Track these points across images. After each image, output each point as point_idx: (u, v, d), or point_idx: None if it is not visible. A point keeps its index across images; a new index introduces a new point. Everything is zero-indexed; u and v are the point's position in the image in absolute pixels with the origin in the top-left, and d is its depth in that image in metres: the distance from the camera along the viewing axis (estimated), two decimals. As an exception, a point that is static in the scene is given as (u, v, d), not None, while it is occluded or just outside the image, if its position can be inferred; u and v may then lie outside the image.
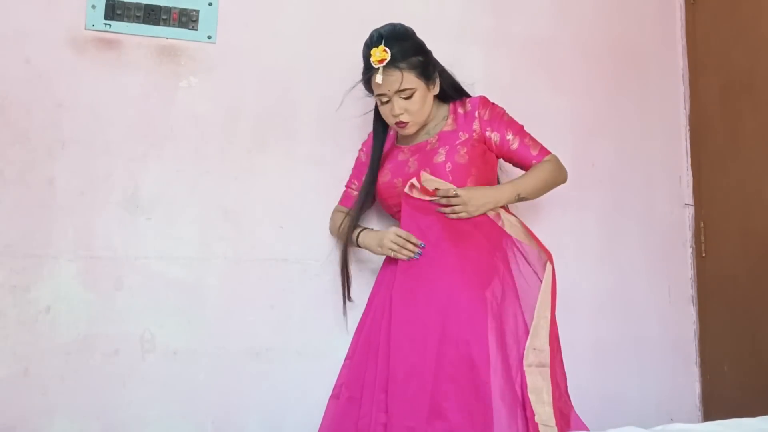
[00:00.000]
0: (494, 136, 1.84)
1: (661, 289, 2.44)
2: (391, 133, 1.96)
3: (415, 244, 1.74)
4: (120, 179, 1.98)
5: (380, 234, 1.82)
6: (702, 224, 2.47)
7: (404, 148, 1.90)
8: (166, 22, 2.06)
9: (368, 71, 1.78)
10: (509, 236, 1.78)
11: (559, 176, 1.90)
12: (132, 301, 1.94)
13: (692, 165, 2.52)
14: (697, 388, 2.43)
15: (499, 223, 1.79)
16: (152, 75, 2.04)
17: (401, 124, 1.80)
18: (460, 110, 1.87)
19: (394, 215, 1.93)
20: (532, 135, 1.90)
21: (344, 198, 2.02)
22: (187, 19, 2.07)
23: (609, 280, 2.37)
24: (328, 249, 2.07)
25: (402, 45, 1.76)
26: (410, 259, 1.74)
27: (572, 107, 2.41)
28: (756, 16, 2.28)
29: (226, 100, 2.09)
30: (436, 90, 1.86)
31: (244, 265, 2.04)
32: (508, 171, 2.04)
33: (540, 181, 1.85)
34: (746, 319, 2.25)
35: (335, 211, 2.04)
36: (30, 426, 1.84)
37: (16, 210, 1.89)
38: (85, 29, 2.00)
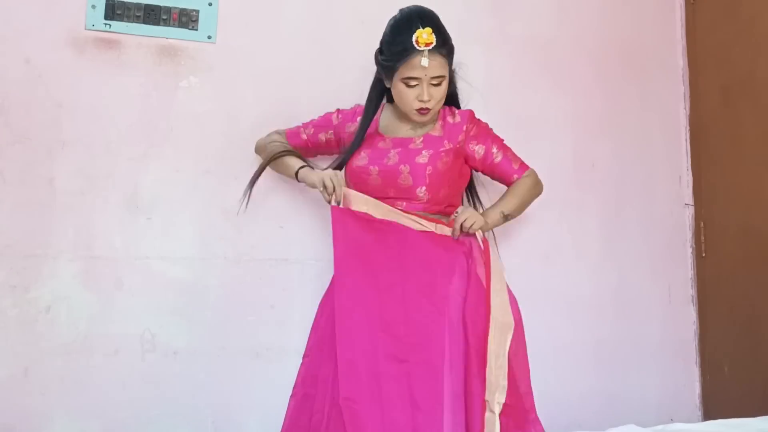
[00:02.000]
0: (479, 149, 1.86)
1: (661, 289, 2.44)
2: (376, 116, 1.92)
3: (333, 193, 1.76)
4: (120, 179, 1.98)
5: (322, 172, 1.80)
6: (702, 224, 2.47)
7: (386, 138, 1.86)
8: (166, 22, 2.06)
9: (407, 53, 1.72)
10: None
11: (537, 191, 1.95)
12: (132, 301, 1.94)
13: (692, 165, 2.52)
14: (697, 388, 2.43)
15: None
16: (152, 75, 2.04)
17: (424, 111, 1.77)
18: (449, 119, 1.86)
19: (351, 187, 1.88)
20: (513, 151, 1.93)
21: (291, 134, 1.96)
22: (187, 19, 2.07)
23: (609, 280, 2.38)
24: (328, 249, 2.06)
25: (442, 31, 1.76)
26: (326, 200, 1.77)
27: (573, 107, 2.41)
28: (756, 16, 2.28)
29: (226, 100, 2.09)
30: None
31: (244, 265, 2.04)
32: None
33: (521, 199, 1.91)
34: (746, 319, 2.25)
35: (274, 132, 1.97)
36: (30, 426, 1.84)
37: (16, 210, 1.89)
38: (85, 29, 2.00)
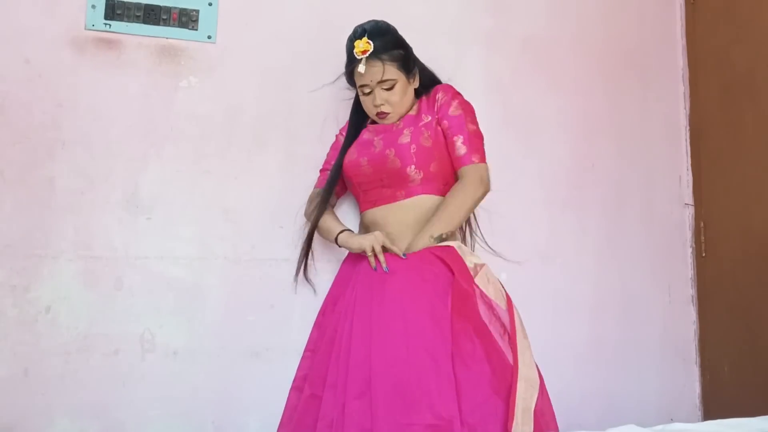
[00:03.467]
0: (443, 123, 1.85)
1: (661, 289, 2.44)
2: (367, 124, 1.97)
3: (382, 262, 1.72)
4: (120, 179, 1.98)
5: (363, 236, 1.80)
6: (702, 224, 2.47)
7: (371, 128, 1.93)
8: (166, 22, 2.06)
9: (351, 63, 1.84)
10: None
11: (475, 196, 1.82)
12: (132, 301, 1.94)
13: (692, 165, 2.52)
14: (697, 388, 2.43)
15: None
16: (152, 75, 2.04)
17: (382, 115, 1.85)
18: (425, 97, 1.91)
19: (358, 196, 1.94)
20: (476, 138, 1.85)
21: (319, 181, 2.03)
22: (187, 19, 2.07)
23: (609, 280, 2.37)
24: (328, 248, 2.07)
25: (384, 38, 1.83)
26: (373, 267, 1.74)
27: (572, 107, 2.41)
28: (756, 16, 2.28)
29: (226, 100, 2.09)
30: (416, 84, 1.91)
31: (244, 265, 2.04)
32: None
33: (450, 215, 1.78)
34: (746, 319, 2.25)
35: (311, 195, 2.02)
36: (30, 426, 1.84)
37: (16, 210, 1.89)
38: (85, 29, 2.00)
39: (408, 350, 1.58)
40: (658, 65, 2.56)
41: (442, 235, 1.76)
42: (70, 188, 1.93)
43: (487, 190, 1.85)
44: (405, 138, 1.83)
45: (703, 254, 2.45)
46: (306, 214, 2.01)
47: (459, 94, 1.90)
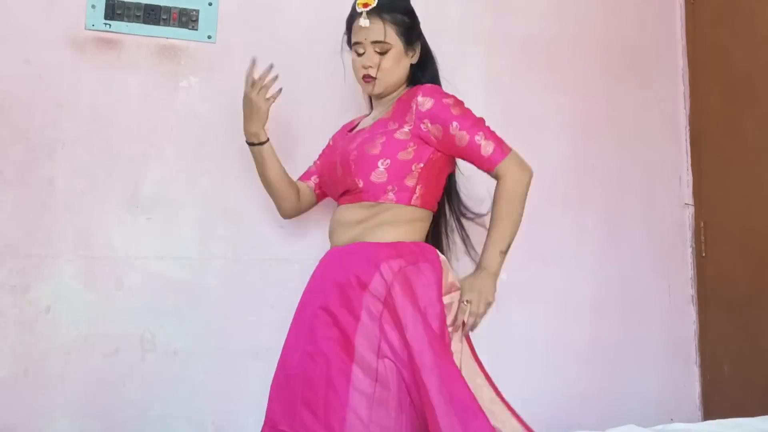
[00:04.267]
0: (434, 130, 1.63)
1: (661, 289, 2.44)
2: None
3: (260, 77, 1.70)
4: (120, 179, 1.98)
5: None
6: (702, 224, 2.47)
7: (348, 135, 1.82)
8: (166, 22, 2.06)
9: (352, 18, 1.74)
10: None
11: (526, 185, 1.66)
12: (132, 301, 1.94)
13: (692, 165, 2.52)
14: (697, 388, 2.43)
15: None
16: (152, 75, 2.04)
17: (367, 79, 1.72)
18: (405, 95, 1.73)
19: (332, 196, 1.85)
20: (491, 129, 1.67)
21: (304, 174, 1.95)
22: (187, 19, 2.07)
23: (609, 280, 2.37)
24: (328, 249, 2.07)
25: (393, 1, 1.73)
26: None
27: (572, 107, 2.41)
28: (756, 16, 2.28)
29: (226, 100, 2.08)
30: (415, 59, 1.77)
31: (244, 265, 2.04)
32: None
33: (513, 220, 1.66)
34: (746, 319, 2.25)
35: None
36: (30, 426, 1.84)
37: (16, 210, 1.89)
38: (85, 29, 2.00)
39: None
40: (658, 65, 2.56)
41: (508, 249, 1.65)
42: (70, 188, 1.94)
43: (531, 173, 1.67)
44: (353, 144, 1.69)
45: (703, 254, 2.45)
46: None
47: (445, 92, 1.70)
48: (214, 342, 1.98)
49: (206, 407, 1.96)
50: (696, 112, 2.53)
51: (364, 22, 1.68)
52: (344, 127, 1.97)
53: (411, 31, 1.75)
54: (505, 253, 1.65)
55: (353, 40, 1.75)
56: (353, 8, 1.74)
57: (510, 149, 1.66)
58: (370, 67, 1.70)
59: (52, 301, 1.89)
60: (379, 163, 1.63)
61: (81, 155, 1.95)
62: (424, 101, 1.65)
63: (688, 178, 2.53)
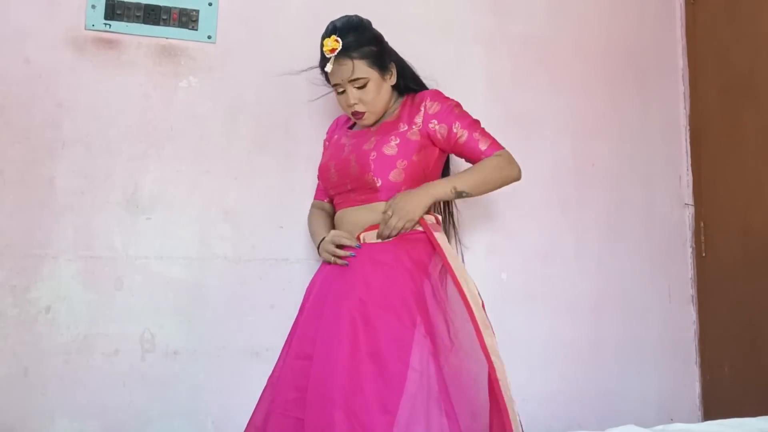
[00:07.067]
0: (440, 129, 1.76)
1: (661, 289, 2.44)
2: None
3: (344, 247, 1.71)
4: (120, 179, 1.98)
5: (322, 246, 1.79)
6: (702, 224, 2.47)
7: (350, 133, 1.88)
8: (166, 22, 2.06)
9: (322, 62, 1.78)
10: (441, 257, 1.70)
11: (509, 173, 1.78)
12: (132, 301, 1.94)
13: (692, 165, 2.52)
14: (697, 388, 2.43)
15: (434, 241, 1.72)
16: (152, 75, 2.04)
17: (357, 115, 1.79)
18: (409, 102, 1.82)
19: (332, 199, 1.89)
20: (487, 131, 1.80)
21: (317, 192, 2.00)
22: (187, 19, 2.07)
23: (609, 280, 2.37)
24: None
25: (354, 35, 1.76)
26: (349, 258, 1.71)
27: (572, 107, 2.41)
28: (756, 16, 2.28)
29: (226, 100, 2.09)
30: (393, 80, 1.83)
31: (244, 265, 2.04)
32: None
33: (481, 176, 1.75)
34: (746, 320, 2.25)
35: (311, 207, 2.00)
36: (30, 426, 1.84)
37: (16, 210, 1.89)
38: (85, 29, 2.00)
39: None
40: (658, 65, 2.56)
41: (463, 192, 1.72)
42: (70, 188, 1.94)
43: (520, 174, 1.80)
44: (369, 144, 1.76)
45: (703, 254, 2.45)
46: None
47: (447, 97, 1.82)
48: (214, 342, 1.99)
49: (206, 407, 1.96)
50: (696, 112, 2.53)
51: (329, 67, 1.75)
52: (338, 122, 1.98)
53: (382, 58, 1.80)
54: (456, 193, 1.72)
55: (331, 81, 1.81)
56: (322, 53, 1.78)
57: (503, 148, 1.79)
58: (355, 103, 1.78)
59: (52, 301, 1.89)
60: (398, 164, 1.73)
61: (81, 155, 1.95)
62: (432, 104, 1.78)
63: (688, 178, 2.53)
